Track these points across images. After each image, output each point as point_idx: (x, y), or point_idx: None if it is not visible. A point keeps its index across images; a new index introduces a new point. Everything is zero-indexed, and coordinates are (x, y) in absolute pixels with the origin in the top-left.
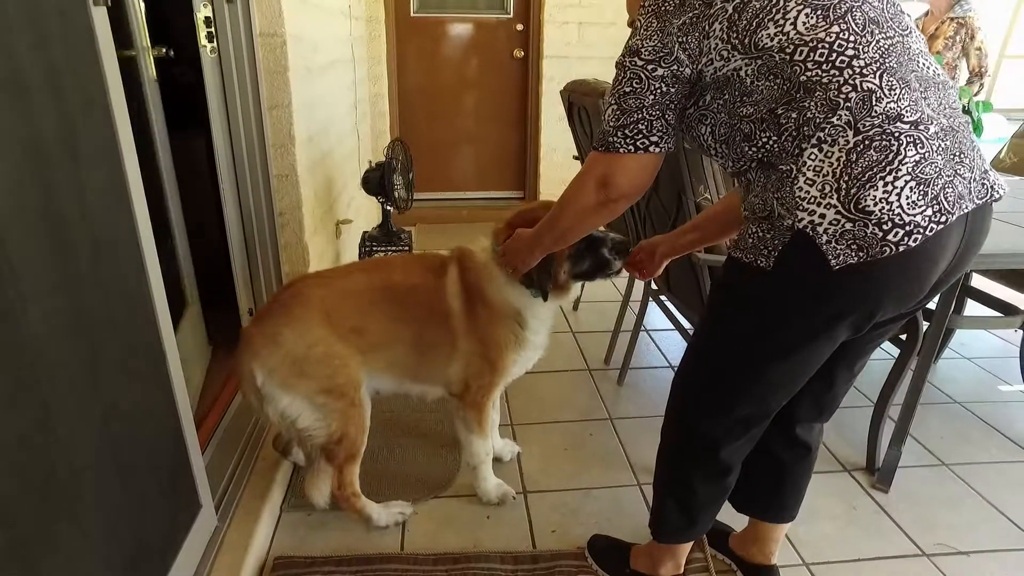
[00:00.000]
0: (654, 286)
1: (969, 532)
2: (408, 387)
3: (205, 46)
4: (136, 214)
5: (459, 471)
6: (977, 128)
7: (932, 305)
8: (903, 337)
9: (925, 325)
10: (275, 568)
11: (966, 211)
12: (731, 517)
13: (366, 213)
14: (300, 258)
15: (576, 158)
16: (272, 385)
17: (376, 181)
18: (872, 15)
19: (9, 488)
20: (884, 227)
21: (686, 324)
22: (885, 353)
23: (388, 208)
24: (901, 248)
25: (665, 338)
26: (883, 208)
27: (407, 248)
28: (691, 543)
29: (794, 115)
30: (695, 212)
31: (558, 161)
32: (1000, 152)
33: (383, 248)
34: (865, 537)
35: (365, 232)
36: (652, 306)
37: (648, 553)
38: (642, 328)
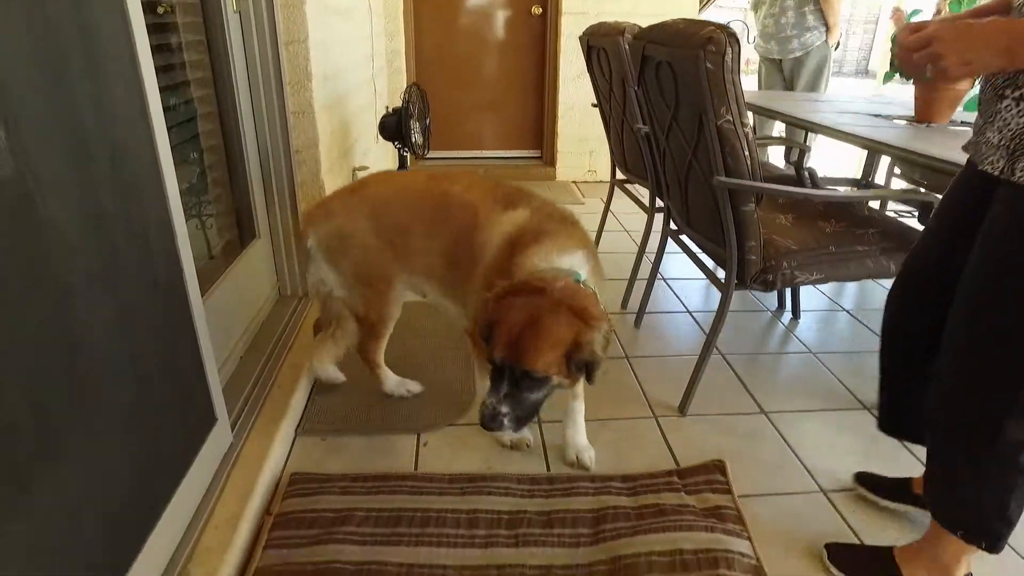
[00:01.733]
0: (673, 225)
1: None
2: (443, 302)
3: None
4: (153, 120)
5: (474, 400)
6: None
7: None
8: None
9: None
10: (291, 483)
11: None
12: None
13: (383, 163)
14: (317, 196)
15: (594, 106)
16: (317, 252)
17: (393, 126)
18: None
19: (28, 376)
20: None
21: (708, 262)
22: None
23: (405, 154)
24: None
25: (682, 286)
26: None
27: None
28: None
29: None
30: (716, 136)
31: (576, 119)
32: None
33: None
34: (883, 469)
35: None
36: (667, 256)
37: (934, 558)
38: (659, 276)
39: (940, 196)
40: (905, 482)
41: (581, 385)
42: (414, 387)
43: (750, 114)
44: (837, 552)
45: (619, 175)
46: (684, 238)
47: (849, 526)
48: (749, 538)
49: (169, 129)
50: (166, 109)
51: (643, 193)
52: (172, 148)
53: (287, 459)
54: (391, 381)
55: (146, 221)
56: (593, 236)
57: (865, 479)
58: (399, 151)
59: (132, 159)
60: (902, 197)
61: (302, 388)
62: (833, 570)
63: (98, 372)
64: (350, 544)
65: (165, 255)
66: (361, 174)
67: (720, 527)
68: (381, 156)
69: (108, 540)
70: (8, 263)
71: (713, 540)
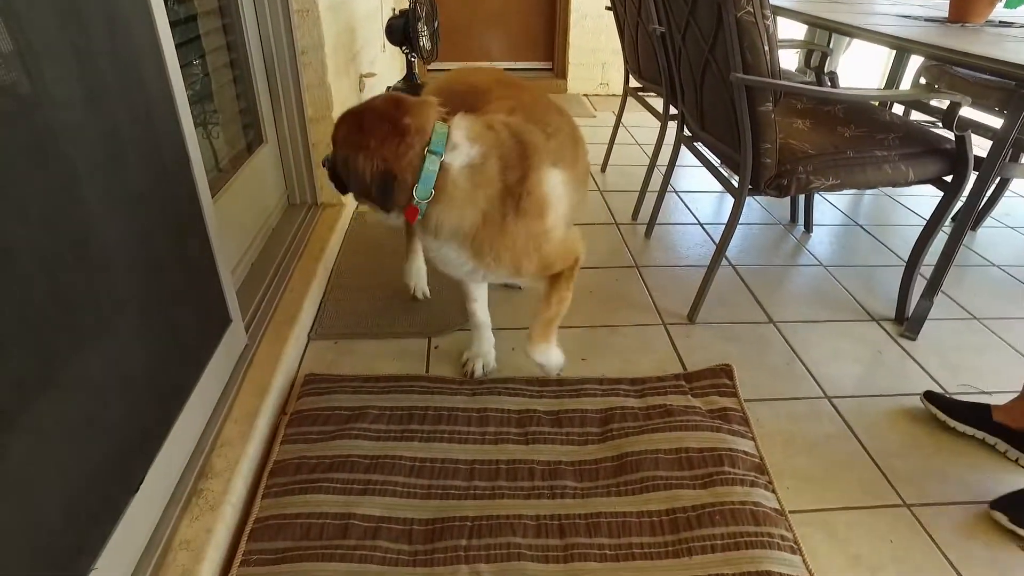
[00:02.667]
0: (687, 132)
1: (993, 375)
2: None
3: None
4: None
5: None
6: None
7: (983, 152)
8: (948, 180)
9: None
10: (306, 383)
11: None
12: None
13: (390, 75)
14: (324, 100)
15: (608, 8)
16: None
17: (400, 29)
18: None
19: (41, 261)
20: None
21: (723, 169)
22: (917, 217)
23: (412, 59)
24: None
25: (695, 198)
26: None
27: None
28: None
29: None
30: (736, 29)
31: (588, 28)
32: None
33: None
34: (888, 377)
35: (389, 87)
36: (680, 169)
37: None
38: (670, 188)
39: (962, 99)
40: (983, 408)
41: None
42: (426, 289)
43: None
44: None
45: (633, 83)
46: (698, 146)
47: (851, 430)
48: (753, 438)
49: (172, 25)
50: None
51: (657, 104)
52: (179, 47)
53: (301, 361)
54: (408, 268)
55: (150, 101)
56: (604, 151)
57: (935, 399)
58: (407, 56)
59: (129, 31)
60: (920, 96)
61: (313, 293)
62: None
63: (111, 259)
64: (364, 439)
65: (171, 141)
66: (368, 81)
67: (726, 427)
68: (389, 65)
69: (136, 423)
70: (9, 137)
71: (718, 439)
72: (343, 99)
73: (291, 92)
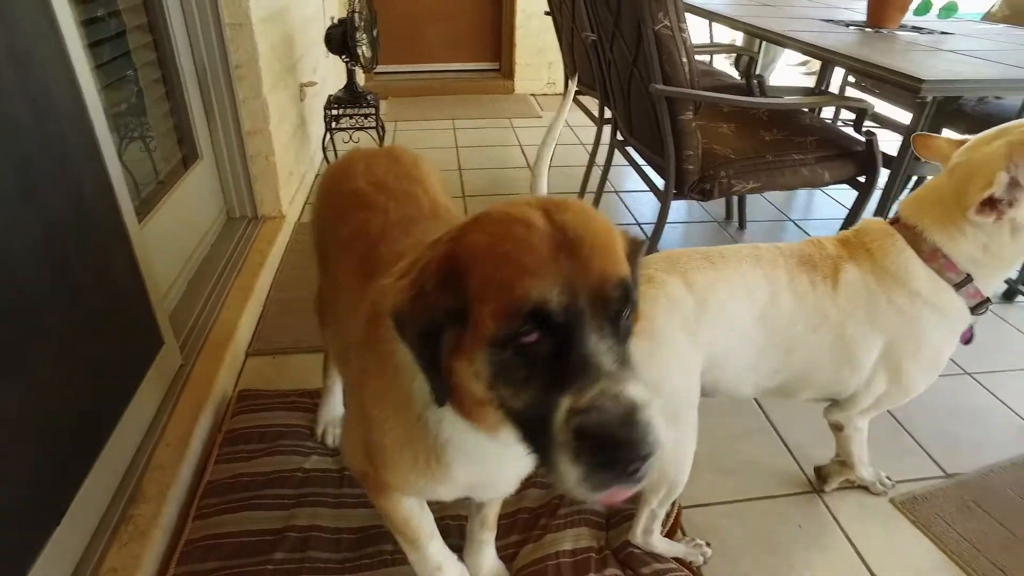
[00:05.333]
0: (620, 136)
1: None
2: None
3: None
4: (62, 29)
5: None
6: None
7: (892, 151)
8: (862, 180)
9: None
10: (240, 399)
11: None
12: None
13: (334, 80)
14: (260, 113)
15: (547, 14)
16: None
17: (339, 38)
18: None
19: None
20: None
21: (651, 174)
22: (844, 211)
23: (352, 68)
24: None
25: (633, 198)
26: None
27: (374, 111)
28: None
29: None
30: (655, 44)
31: (535, 29)
32: (992, 7)
33: (349, 110)
34: None
35: (330, 95)
36: (621, 170)
37: None
38: (611, 189)
39: (867, 107)
40: None
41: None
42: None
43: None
44: None
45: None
46: (630, 150)
47: (772, 424)
48: None
49: (97, 44)
50: (89, 21)
51: (594, 107)
52: (103, 65)
53: (238, 379)
54: None
55: (64, 129)
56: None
57: None
58: (347, 65)
59: (41, 67)
60: (827, 103)
61: (251, 310)
62: None
63: (25, 292)
64: (296, 455)
65: (90, 169)
66: (309, 91)
67: None
68: (333, 70)
69: (57, 456)
70: None
71: None
72: (281, 111)
73: (226, 106)
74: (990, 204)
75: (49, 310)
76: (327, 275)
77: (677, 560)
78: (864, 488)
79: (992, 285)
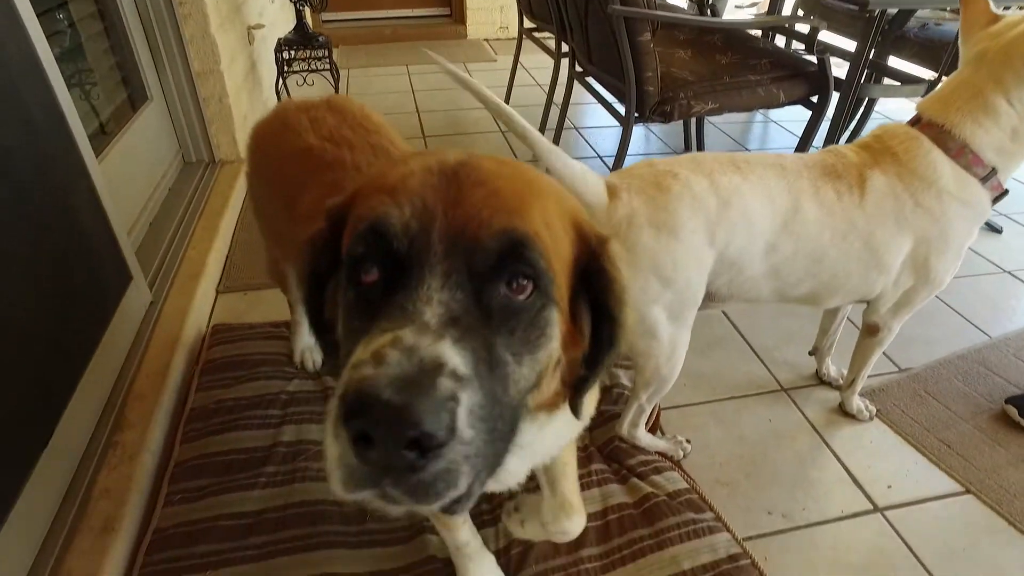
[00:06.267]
0: (578, 68)
1: None
2: None
3: None
4: None
5: None
6: None
7: (842, 74)
8: (814, 100)
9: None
10: (213, 333)
11: None
12: None
13: (283, 25)
14: (210, 53)
15: None
16: None
17: None
18: None
19: None
20: None
21: (613, 101)
22: (793, 137)
23: (301, 7)
24: None
25: (593, 133)
26: None
27: (327, 53)
28: None
29: None
30: None
31: None
32: None
33: (301, 52)
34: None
35: (280, 38)
36: (581, 107)
37: None
38: (571, 125)
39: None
40: None
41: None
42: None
43: None
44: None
45: (527, 23)
46: (590, 80)
47: (738, 331)
48: None
49: None
50: None
51: (550, 44)
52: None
53: (211, 314)
54: None
55: (9, 61)
56: (503, 94)
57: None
58: (296, 5)
59: None
60: (779, 23)
61: (218, 248)
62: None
63: None
64: (278, 379)
65: (36, 91)
66: (257, 34)
67: None
68: (280, 16)
69: (39, 382)
70: None
71: None
72: (231, 52)
73: (172, 46)
74: None
75: (13, 237)
76: (279, 241)
77: (659, 454)
78: (827, 384)
79: (1010, 176)
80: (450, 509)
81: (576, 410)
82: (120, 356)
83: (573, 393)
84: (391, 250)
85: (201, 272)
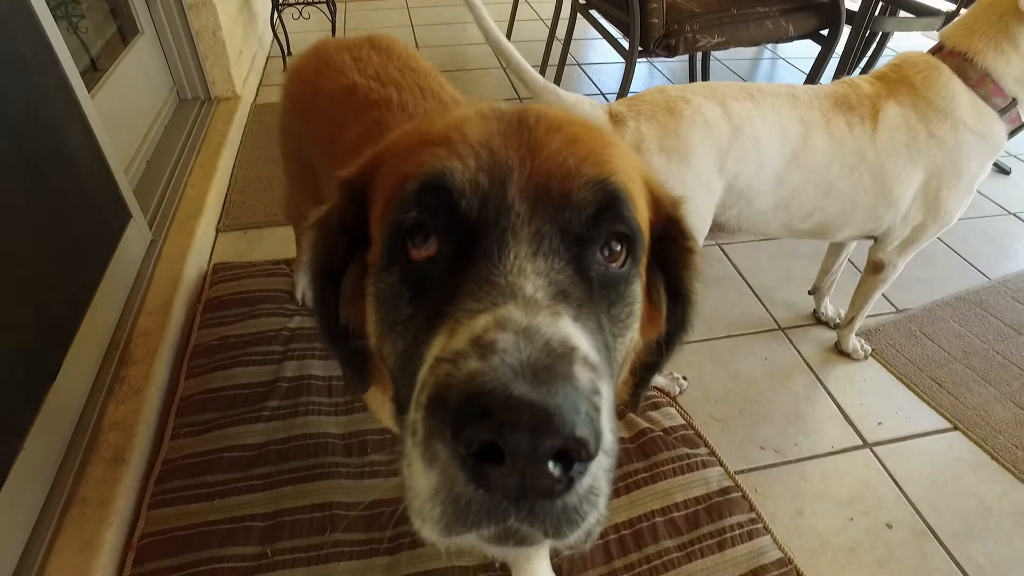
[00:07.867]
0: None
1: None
2: None
3: None
4: None
5: None
6: None
7: (854, 6)
8: (824, 33)
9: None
10: (215, 271)
11: None
12: None
13: None
14: None
15: None
16: None
17: None
18: None
19: None
20: None
21: (615, 33)
22: (801, 74)
23: None
24: None
25: (597, 70)
26: None
27: None
28: None
29: None
30: None
31: None
32: None
33: None
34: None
35: None
36: (585, 43)
37: None
38: (575, 61)
39: None
40: None
41: None
42: None
43: None
44: None
45: None
46: (594, 13)
47: (738, 271)
48: None
49: None
50: None
51: None
52: None
53: (212, 253)
54: None
55: None
56: (505, 28)
57: None
58: None
59: None
60: None
61: (217, 187)
62: None
63: None
64: (280, 316)
65: (24, 24)
66: None
67: None
68: None
69: (44, 318)
70: None
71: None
72: None
73: None
74: None
75: (11, 179)
76: (303, 181)
77: (657, 388)
78: (825, 324)
79: None
80: (577, 544)
81: (637, 403)
82: (123, 294)
83: (638, 382)
84: (457, 213)
85: (200, 211)
